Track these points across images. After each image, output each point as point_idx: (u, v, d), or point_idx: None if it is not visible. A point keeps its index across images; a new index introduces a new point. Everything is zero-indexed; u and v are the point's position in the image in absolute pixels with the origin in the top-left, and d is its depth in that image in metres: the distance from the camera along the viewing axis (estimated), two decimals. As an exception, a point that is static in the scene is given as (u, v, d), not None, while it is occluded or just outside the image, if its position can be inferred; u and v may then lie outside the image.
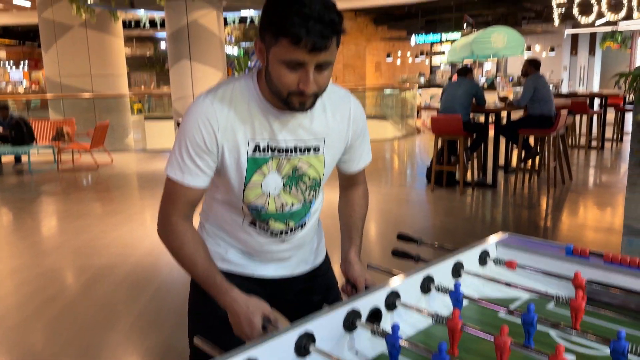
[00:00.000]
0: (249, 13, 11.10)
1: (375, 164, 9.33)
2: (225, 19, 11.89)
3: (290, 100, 1.17)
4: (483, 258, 1.67)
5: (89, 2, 8.65)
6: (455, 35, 18.94)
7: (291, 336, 1.08)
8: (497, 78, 14.47)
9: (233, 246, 1.44)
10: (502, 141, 6.62)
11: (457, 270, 1.56)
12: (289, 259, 1.48)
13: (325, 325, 1.14)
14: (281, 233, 1.40)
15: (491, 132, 6.53)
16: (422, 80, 22.03)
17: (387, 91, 16.72)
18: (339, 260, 1.53)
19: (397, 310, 1.32)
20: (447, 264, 1.55)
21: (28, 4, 18.98)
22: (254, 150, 1.26)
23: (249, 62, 25.92)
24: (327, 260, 1.64)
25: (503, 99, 6.65)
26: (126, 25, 15.77)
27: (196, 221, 1.42)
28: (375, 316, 1.26)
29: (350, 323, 1.18)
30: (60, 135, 9.25)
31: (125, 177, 8.38)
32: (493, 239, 1.76)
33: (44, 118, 12.21)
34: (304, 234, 1.45)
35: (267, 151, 1.27)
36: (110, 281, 3.72)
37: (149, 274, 3.86)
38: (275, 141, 1.27)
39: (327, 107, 1.33)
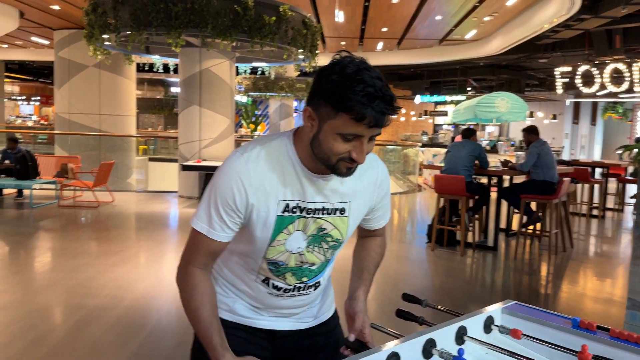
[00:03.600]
0: (261, 64, 11.40)
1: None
2: (236, 68, 12.21)
3: (339, 167, 1.19)
4: (488, 325, 1.64)
5: (105, 44, 8.89)
6: (460, 97, 19.38)
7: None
8: (500, 141, 14.67)
9: (242, 298, 1.44)
10: (504, 204, 6.64)
11: (460, 336, 1.53)
12: (295, 314, 1.47)
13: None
14: (293, 289, 1.40)
15: (493, 194, 6.57)
16: (425, 138, 22.34)
17: (390, 147, 16.94)
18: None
19: (398, 375, 1.28)
20: (451, 329, 1.52)
21: (46, 42, 19.55)
22: (283, 211, 1.27)
23: (256, 111, 26.40)
24: (335, 317, 1.61)
25: (505, 163, 6.71)
26: (139, 67, 16.20)
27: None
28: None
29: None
30: (64, 171, 9.30)
31: (124, 217, 8.36)
32: (499, 305, 1.74)
33: (49, 154, 12.34)
34: (316, 294, 1.46)
35: (296, 211, 1.29)
36: (102, 323, 3.64)
37: (141, 318, 3.78)
38: (305, 202, 1.29)
39: (360, 173, 1.32)
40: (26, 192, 9.05)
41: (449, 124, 23.70)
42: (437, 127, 25.97)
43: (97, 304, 4.02)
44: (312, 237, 1.33)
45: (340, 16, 13.72)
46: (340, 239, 1.38)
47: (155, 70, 11.05)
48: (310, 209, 1.29)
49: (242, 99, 21.99)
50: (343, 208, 1.34)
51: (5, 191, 9.34)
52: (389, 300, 4.34)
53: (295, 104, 22.23)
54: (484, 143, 13.99)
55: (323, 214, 1.31)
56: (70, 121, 15.42)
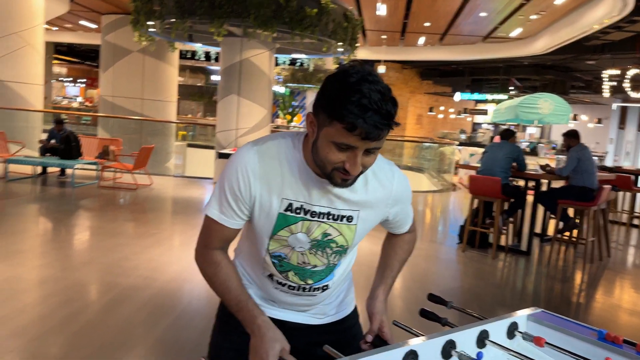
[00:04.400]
0: (300, 56, 11.44)
1: (408, 216, 9.26)
2: (276, 59, 12.28)
3: (333, 176, 1.19)
4: (511, 331, 1.63)
5: (150, 31, 9.09)
6: (501, 96, 18.97)
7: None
8: (540, 144, 14.30)
9: (255, 286, 1.47)
10: (541, 208, 6.50)
11: (481, 340, 1.53)
12: (307, 310, 1.48)
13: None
14: (298, 289, 1.40)
15: (530, 198, 6.43)
16: (463, 137, 21.99)
17: (426, 144, 16.75)
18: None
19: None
20: (473, 332, 1.52)
21: (94, 26, 20.10)
22: (286, 209, 1.28)
23: (293, 102, 26.51)
24: (354, 314, 1.61)
25: (544, 167, 6.55)
26: (182, 54, 16.49)
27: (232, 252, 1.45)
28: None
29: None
30: (105, 153, 9.60)
31: (161, 200, 8.57)
32: (525, 312, 1.72)
33: (92, 135, 12.72)
34: (323, 295, 1.46)
35: (300, 212, 1.29)
36: (133, 303, 3.77)
37: (172, 300, 3.89)
38: (310, 205, 1.29)
39: (370, 182, 1.32)
40: (69, 171, 9.39)
41: (488, 123, 23.24)
42: (476, 126, 25.52)
43: (130, 283, 4.16)
44: (315, 241, 1.32)
45: (382, 9, 13.60)
46: (345, 245, 1.36)
47: (197, 58, 11.24)
48: (315, 212, 1.29)
49: (281, 89, 22.14)
50: (350, 216, 1.32)
51: (50, 169, 9.70)
52: (415, 298, 4.33)
53: (332, 96, 22.29)
54: (524, 145, 13.68)
55: (328, 219, 1.31)
56: (114, 104, 15.86)
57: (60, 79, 36.51)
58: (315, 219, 1.30)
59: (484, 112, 22.49)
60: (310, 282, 1.39)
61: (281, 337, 1.24)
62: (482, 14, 13.51)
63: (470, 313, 1.73)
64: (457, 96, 21.36)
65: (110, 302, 3.79)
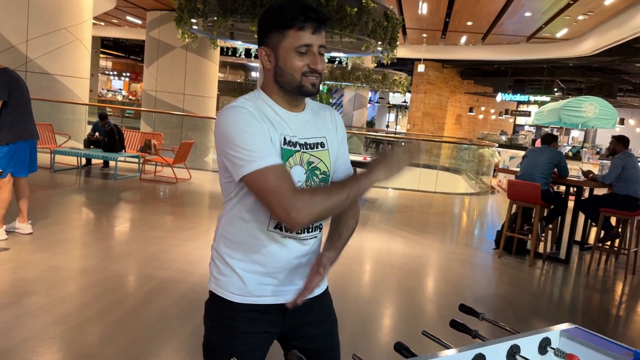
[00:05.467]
0: (338, 54, 11.43)
1: (442, 217, 9.15)
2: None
3: (304, 84, 1.37)
4: (543, 346, 1.60)
5: (193, 28, 9.27)
6: (545, 98, 18.45)
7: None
8: (584, 148, 13.87)
9: (252, 268, 1.46)
10: (582, 215, 6.31)
11: (512, 354, 1.51)
12: (296, 283, 1.49)
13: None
14: (302, 231, 1.45)
15: (571, 204, 6.26)
16: (504, 138, 21.52)
17: (464, 146, 16.48)
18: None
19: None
20: (503, 346, 1.50)
21: (139, 22, 20.63)
22: (284, 143, 1.39)
23: (330, 99, 26.52)
24: (328, 293, 1.67)
25: (586, 173, 6.35)
26: (222, 51, 16.76)
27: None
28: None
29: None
30: (147, 147, 9.86)
31: (199, 194, 8.75)
32: (558, 327, 1.69)
33: (134, 129, 13.09)
34: (317, 237, 1.52)
35: (291, 145, 1.41)
36: (170, 295, 3.87)
37: (206, 295, 3.96)
38: (295, 137, 1.42)
39: (317, 112, 1.53)
40: (112, 163, 9.69)
41: (531, 125, 22.66)
42: (517, 128, 24.92)
43: (167, 276, 4.27)
44: (308, 171, 1.43)
45: (423, 8, 13.45)
46: (327, 171, 1.48)
47: (237, 55, 11.37)
48: (300, 143, 1.42)
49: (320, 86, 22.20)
50: (322, 142, 1.48)
51: (94, 161, 10.04)
52: (448, 304, 4.29)
53: (370, 94, 22.14)
54: (567, 148, 13.29)
55: (307, 148, 1.44)
56: (157, 99, 16.28)
57: (106, 72, 37.63)
58: (301, 150, 1.43)
59: (527, 114, 21.92)
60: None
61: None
62: (527, 14, 13.17)
63: (503, 326, 1.71)
64: (499, 97, 20.90)
65: (147, 294, 3.91)
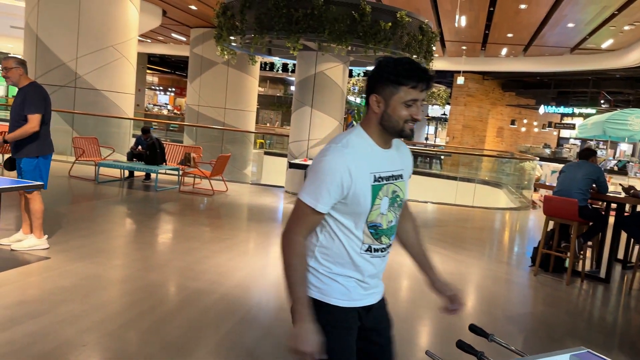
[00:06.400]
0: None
1: (480, 233, 8.98)
2: (351, 71, 12.39)
3: (404, 129, 1.66)
4: (552, 370, 1.58)
5: (232, 45, 9.52)
6: (590, 110, 17.89)
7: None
8: (630, 162, 13.33)
9: (349, 278, 1.74)
10: (625, 232, 6.08)
11: (517, 377, 1.50)
12: (376, 285, 1.82)
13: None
14: (385, 249, 1.77)
15: (612, 220, 6.04)
16: (548, 152, 20.94)
17: (505, 159, 16.12)
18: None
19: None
20: (508, 369, 1.49)
21: (184, 39, 21.31)
22: (374, 181, 1.68)
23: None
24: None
25: (628, 189, 6.12)
26: (262, 66, 17.09)
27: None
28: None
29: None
30: (187, 160, 10.14)
31: (235, 207, 8.92)
32: (568, 352, 1.66)
33: (178, 142, 13.49)
34: (386, 258, 1.82)
35: (381, 180, 1.70)
36: (200, 306, 3.98)
37: (235, 306, 4.06)
38: (384, 172, 1.71)
39: (398, 147, 1.80)
40: (153, 175, 10.01)
41: (576, 138, 21.97)
42: (561, 141, 24.18)
43: (198, 287, 4.39)
44: (391, 199, 1.73)
45: (462, 21, 13.34)
46: (403, 198, 1.80)
47: (275, 70, 11.60)
48: (388, 177, 1.72)
49: (357, 100, 22.25)
50: (400, 174, 1.78)
51: (136, 173, 10.41)
52: (480, 323, 4.20)
53: (409, 108, 22.01)
54: (612, 163, 12.81)
55: (393, 180, 1.73)
56: (199, 113, 16.75)
57: (152, 87, 38.94)
58: (388, 182, 1.72)
59: (571, 127, 21.27)
60: (392, 238, 1.79)
61: (317, 340, 1.61)
62: (570, 25, 12.87)
63: (511, 348, 1.70)
64: (542, 109, 20.39)
65: (178, 304, 4.02)
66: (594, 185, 5.78)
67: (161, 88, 39.78)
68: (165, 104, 39.36)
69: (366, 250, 1.72)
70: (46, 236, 4.94)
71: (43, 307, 3.64)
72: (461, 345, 1.71)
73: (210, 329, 3.59)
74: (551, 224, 6.05)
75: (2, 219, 4.20)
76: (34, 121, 4.52)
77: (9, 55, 4.76)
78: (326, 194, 1.62)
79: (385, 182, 1.71)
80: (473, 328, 1.82)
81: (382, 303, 1.87)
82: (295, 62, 10.45)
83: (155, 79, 39.30)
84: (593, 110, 17.62)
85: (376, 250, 1.74)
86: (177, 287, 4.46)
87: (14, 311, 3.50)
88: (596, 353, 1.69)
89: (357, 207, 1.66)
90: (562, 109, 20.17)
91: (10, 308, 3.55)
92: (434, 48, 9.73)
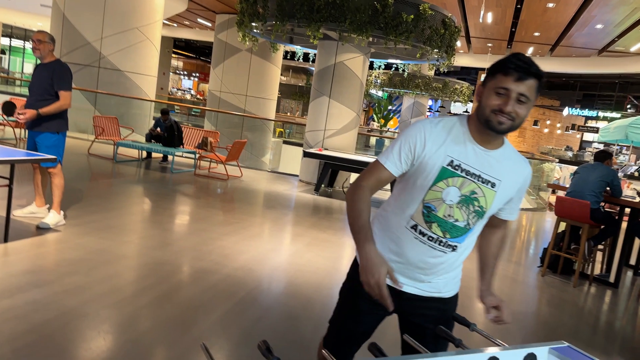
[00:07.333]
0: (395, 61, 11.39)
1: (492, 232, 8.91)
2: (372, 63, 12.31)
3: (491, 119, 1.58)
4: (528, 362, 1.57)
5: (253, 32, 9.55)
6: (615, 114, 17.50)
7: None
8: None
9: (387, 250, 1.76)
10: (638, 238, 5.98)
11: (491, 366, 1.50)
12: (424, 279, 1.78)
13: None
14: (436, 241, 1.70)
15: (625, 223, 5.94)
16: (570, 154, 20.58)
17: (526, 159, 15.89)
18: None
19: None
20: (482, 356, 1.50)
21: (209, 24, 21.42)
22: (448, 164, 1.64)
23: (389, 106, 26.33)
24: (455, 299, 1.91)
25: (642, 194, 6.00)
26: (285, 55, 17.10)
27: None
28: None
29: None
30: (204, 144, 10.25)
31: (247, 192, 8.99)
32: (548, 344, 1.65)
33: (199, 127, 13.62)
34: (450, 258, 1.75)
35: (458, 169, 1.64)
36: (200, 285, 4.04)
37: (235, 287, 4.11)
38: (467, 165, 1.64)
39: (513, 162, 1.71)
40: (170, 157, 10.14)
41: (599, 142, 21.54)
42: (584, 144, 23.72)
43: (201, 266, 4.45)
44: (464, 197, 1.65)
45: (488, 17, 13.15)
46: (484, 207, 1.68)
47: (296, 59, 11.60)
48: (470, 172, 1.64)
49: (379, 93, 22.11)
50: (494, 183, 1.67)
51: (154, 154, 10.55)
52: (478, 316, 4.20)
53: (429, 103, 21.80)
54: (632, 168, 12.54)
55: (478, 180, 1.65)
56: (220, 99, 16.85)
57: (177, 71, 39.26)
58: (469, 177, 1.64)
59: (595, 130, 20.83)
60: (447, 235, 1.70)
61: (385, 262, 1.56)
62: (598, 26, 12.58)
63: (492, 339, 1.69)
64: (566, 111, 20.02)
65: (180, 282, 4.09)
66: (607, 189, 5.68)
67: (185, 73, 40.10)
68: (189, 88, 39.69)
69: (412, 227, 1.71)
70: (62, 212, 5.06)
71: (49, 277, 3.74)
72: (440, 331, 1.71)
73: (210, 307, 3.65)
74: (563, 226, 5.97)
75: (13, 192, 4.31)
76: (67, 98, 4.66)
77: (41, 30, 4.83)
78: (396, 153, 1.67)
79: (463, 174, 1.64)
80: (456, 317, 1.82)
81: (433, 303, 1.83)
82: (316, 51, 10.44)
83: (180, 64, 39.62)
84: (618, 115, 17.25)
85: (423, 234, 1.70)
86: (181, 265, 4.54)
87: (20, 279, 3.60)
88: (577, 349, 1.68)
89: (418, 178, 1.66)
90: (586, 112, 19.78)
91: (17, 276, 3.66)
92: (457, 43, 9.62)
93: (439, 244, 1.70)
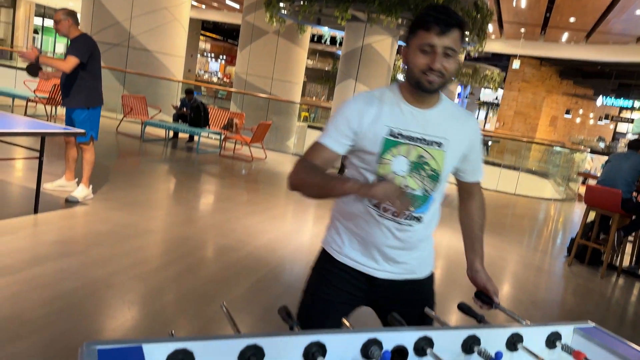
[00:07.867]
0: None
1: (521, 221, 8.77)
2: (400, 46, 12.12)
3: (421, 79, 1.50)
4: (552, 341, 1.55)
5: (281, 12, 9.50)
6: (652, 104, 16.92)
7: (302, 340, 1.14)
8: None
9: (354, 235, 1.66)
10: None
11: (513, 343, 1.47)
12: (401, 262, 1.66)
13: (341, 342, 1.18)
14: (397, 215, 1.59)
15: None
16: (602, 145, 20.06)
17: (557, 149, 15.56)
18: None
19: (426, 358, 1.30)
20: (503, 332, 1.47)
21: (237, 6, 21.40)
22: (389, 134, 1.55)
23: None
24: (430, 279, 1.80)
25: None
26: (312, 39, 16.98)
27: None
28: (400, 355, 1.26)
29: (368, 351, 1.20)
30: (230, 125, 10.29)
31: (271, 174, 9.03)
32: (574, 324, 1.62)
33: (224, 108, 13.68)
34: (418, 230, 1.63)
35: (400, 137, 1.56)
36: (223, 260, 4.08)
37: (257, 264, 4.14)
38: (407, 131, 1.56)
39: (455, 116, 1.63)
40: (196, 138, 10.23)
41: (633, 134, 20.91)
42: (617, 135, 23.05)
43: (225, 243, 4.50)
44: (413, 163, 1.57)
45: (522, 1, 12.81)
46: (437, 169, 1.59)
47: (323, 41, 11.52)
48: (412, 137, 1.56)
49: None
50: (440, 142, 1.58)
51: (180, 134, 10.65)
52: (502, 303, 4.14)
53: (459, 89, 21.44)
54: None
55: (422, 143, 1.57)
56: (247, 81, 16.86)
57: (205, 54, 39.43)
58: (412, 142, 1.56)
59: (630, 121, 20.22)
60: (410, 208, 1.60)
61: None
62: (638, 12, 12.13)
63: (516, 317, 1.66)
64: (600, 100, 19.46)
65: (204, 257, 4.15)
66: (641, 178, 5.52)
67: (213, 55, 40.26)
68: (216, 71, 39.87)
69: (374, 206, 1.59)
70: (91, 186, 5.16)
71: (77, 248, 3.83)
72: (462, 307, 1.68)
73: (232, 283, 3.69)
74: (592, 215, 5.83)
75: (44, 164, 4.40)
76: (69, 62, 4.53)
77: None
78: (333, 130, 1.57)
79: (406, 141, 1.55)
80: (478, 294, 1.78)
81: (408, 285, 1.70)
82: (343, 33, 10.34)
83: (208, 46, 39.77)
84: (655, 105, 16.68)
85: (386, 209, 1.58)
86: (205, 241, 4.59)
87: (49, 249, 3.70)
88: (603, 329, 1.64)
89: (365, 154, 1.58)
90: (621, 102, 19.18)
91: (47, 246, 3.75)
92: (489, 28, 9.41)
93: (404, 218, 1.59)
